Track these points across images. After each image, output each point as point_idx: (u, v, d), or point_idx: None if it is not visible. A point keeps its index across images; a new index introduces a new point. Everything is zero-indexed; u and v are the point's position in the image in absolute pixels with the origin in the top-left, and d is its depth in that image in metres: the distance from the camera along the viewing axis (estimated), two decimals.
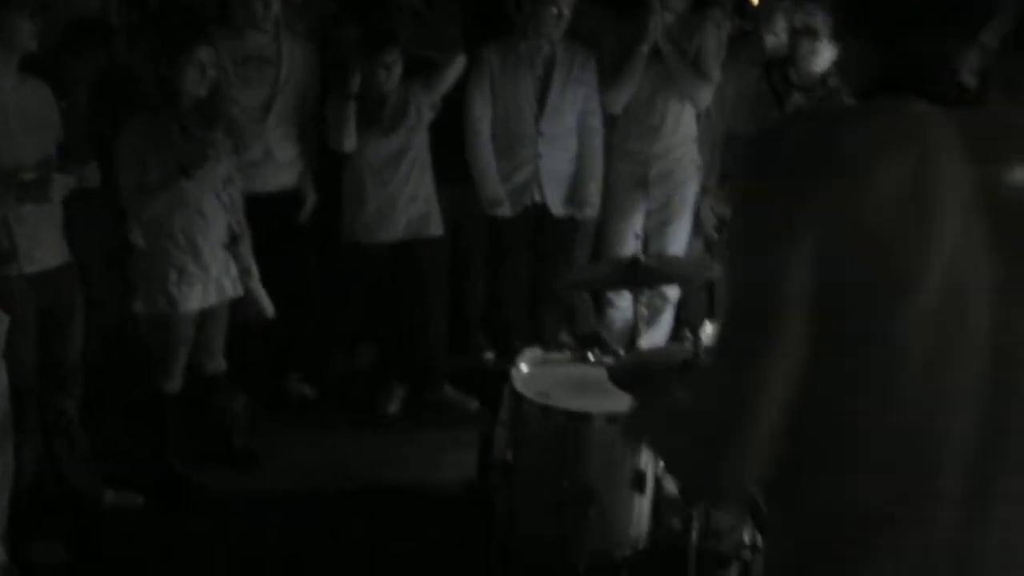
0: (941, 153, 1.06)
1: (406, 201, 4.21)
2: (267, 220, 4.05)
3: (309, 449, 4.05)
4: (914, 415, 1.08)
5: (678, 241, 4.54)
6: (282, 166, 4.16)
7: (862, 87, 1.17)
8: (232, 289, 3.71)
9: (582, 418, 2.84)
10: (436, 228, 4.30)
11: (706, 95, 4.39)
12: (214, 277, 3.64)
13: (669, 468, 1.59)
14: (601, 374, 2.78)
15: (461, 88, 4.31)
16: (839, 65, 1.43)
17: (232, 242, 3.70)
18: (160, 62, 3.52)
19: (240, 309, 3.82)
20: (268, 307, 3.84)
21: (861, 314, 1.05)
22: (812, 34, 3.73)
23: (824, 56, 3.73)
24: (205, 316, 3.69)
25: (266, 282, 3.90)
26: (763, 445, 1.08)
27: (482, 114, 4.37)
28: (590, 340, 4.47)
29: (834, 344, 1.06)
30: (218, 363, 3.84)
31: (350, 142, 4.10)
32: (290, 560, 3.33)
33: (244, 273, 3.75)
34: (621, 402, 2.50)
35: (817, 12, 3.72)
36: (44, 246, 3.16)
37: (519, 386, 3.01)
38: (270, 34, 4.09)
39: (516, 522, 3.01)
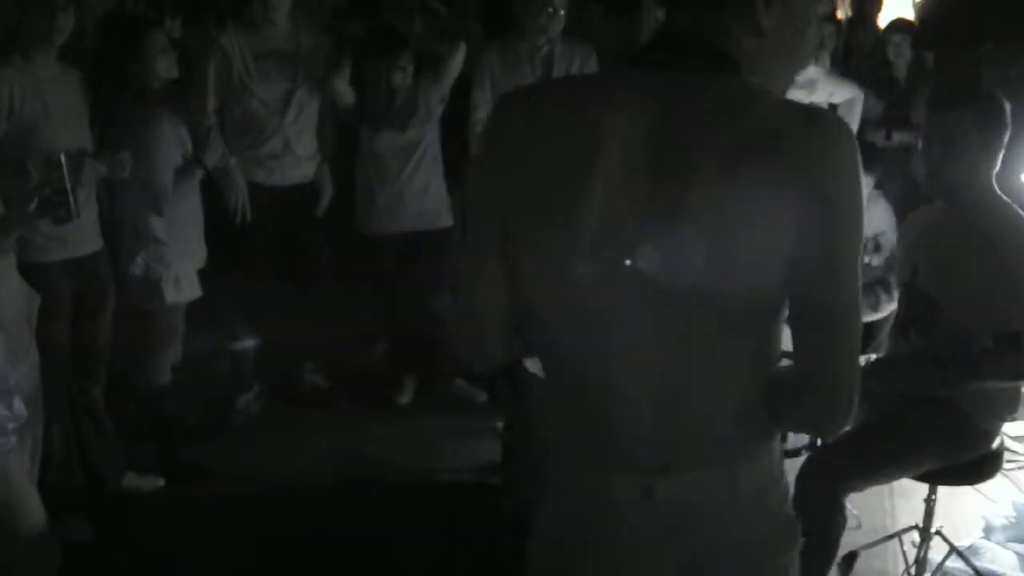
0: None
1: (417, 193, 4.27)
2: (285, 212, 4.13)
3: (322, 437, 4.12)
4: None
5: None
6: (301, 160, 4.20)
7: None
8: None
9: None
10: (446, 220, 4.37)
11: None
12: None
13: None
14: None
15: (466, 91, 4.36)
16: None
17: None
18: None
19: None
20: None
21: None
22: None
23: None
24: None
25: (282, 274, 3.97)
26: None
27: (485, 114, 4.43)
28: None
29: None
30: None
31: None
32: (306, 545, 3.39)
33: None
34: None
35: None
36: (80, 232, 3.20)
37: (534, 368, 3.07)
38: (288, 29, 4.13)
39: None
